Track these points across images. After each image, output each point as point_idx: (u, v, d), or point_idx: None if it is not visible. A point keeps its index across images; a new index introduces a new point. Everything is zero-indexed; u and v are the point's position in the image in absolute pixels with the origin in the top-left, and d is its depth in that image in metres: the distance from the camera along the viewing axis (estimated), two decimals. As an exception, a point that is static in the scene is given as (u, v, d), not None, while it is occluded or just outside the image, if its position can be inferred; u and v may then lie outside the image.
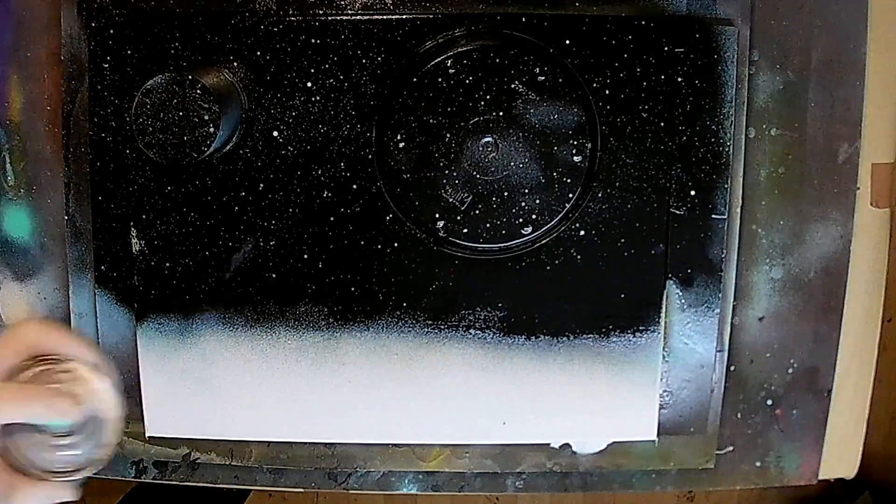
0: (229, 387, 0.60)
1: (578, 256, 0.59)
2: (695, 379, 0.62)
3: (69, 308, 0.62)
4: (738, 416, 0.64)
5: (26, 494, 0.39)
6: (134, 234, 0.58)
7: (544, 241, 0.58)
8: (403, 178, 0.57)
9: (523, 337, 0.60)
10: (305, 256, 0.59)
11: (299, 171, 0.57)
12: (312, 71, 0.56)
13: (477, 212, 0.58)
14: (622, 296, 0.59)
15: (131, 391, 0.62)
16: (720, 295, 0.60)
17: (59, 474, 0.39)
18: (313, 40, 0.56)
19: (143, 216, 0.58)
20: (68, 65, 0.59)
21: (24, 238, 0.62)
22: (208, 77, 0.53)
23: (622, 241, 0.58)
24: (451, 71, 0.56)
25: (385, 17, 0.56)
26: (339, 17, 0.56)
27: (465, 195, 0.57)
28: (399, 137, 0.57)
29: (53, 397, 0.38)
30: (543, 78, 0.56)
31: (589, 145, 0.57)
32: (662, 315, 0.59)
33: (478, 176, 0.57)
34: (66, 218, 0.61)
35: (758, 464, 0.65)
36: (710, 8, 0.57)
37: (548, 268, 0.59)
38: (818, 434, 0.64)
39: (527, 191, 0.57)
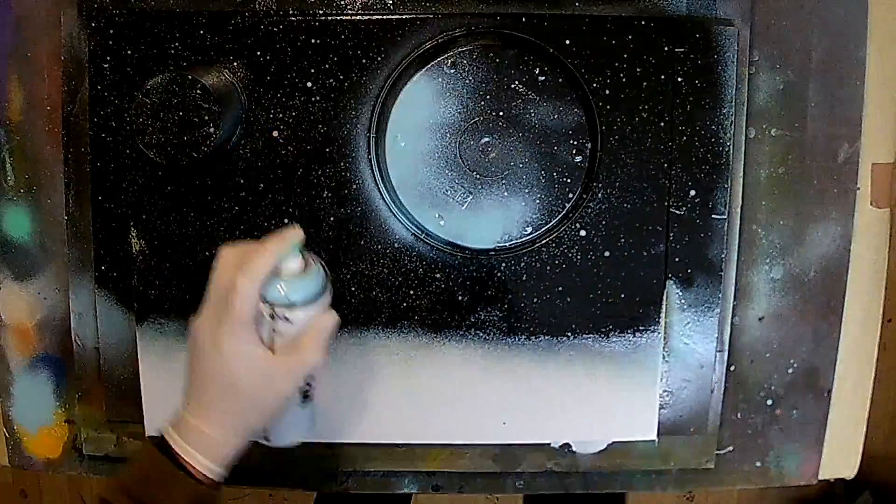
0: (229, 387, 0.60)
1: (578, 256, 0.59)
2: (695, 379, 0.62)
3: (69, 308, 0.62)
4: (738, 416, 0.64)
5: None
6: (134, 234, 0.58)
7: (544, 241, 0.58)
8: (403, 179, 0.57)
9: (523, 337, 0.60)
10: (305, 256, 0.58)
11: (299, 171, 0.57)
12: (312, 71, 0.56)
13: (477, 212, 0.58)
14: (622, 296, 0.59)
15: (131, 391, 0.62)
16: (720, 295, 0.60)
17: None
18: (313, 40, 0.56)
19: (143, 216, 0.58)
20: (68, 65, 0.59)
21: (24, 238, 0.62)
22: (208, 77, 0.53)
23: (622, 241, 0.58)
24: (450, 71, 0.56)
25: (385, 17, 0.56)
26: (339, 17, 0.56)
27: (465, 195, 0.57)
28: (399, 137, 0.57)
29: (280, 234, 0.46)
30: (543, 78, 0.56)
31: (589, 145, 0.57)
32: (662, 315, 0.59)
33: (478, 176, 0.57)
34: (66, 218, 0.61)
35: (758, 464, 0.65)
36: (710, 8, 0.57)
37: (548, 268, 0.59)
38: (818, 434, 0.64)
39: (527, 191, 0.57)
